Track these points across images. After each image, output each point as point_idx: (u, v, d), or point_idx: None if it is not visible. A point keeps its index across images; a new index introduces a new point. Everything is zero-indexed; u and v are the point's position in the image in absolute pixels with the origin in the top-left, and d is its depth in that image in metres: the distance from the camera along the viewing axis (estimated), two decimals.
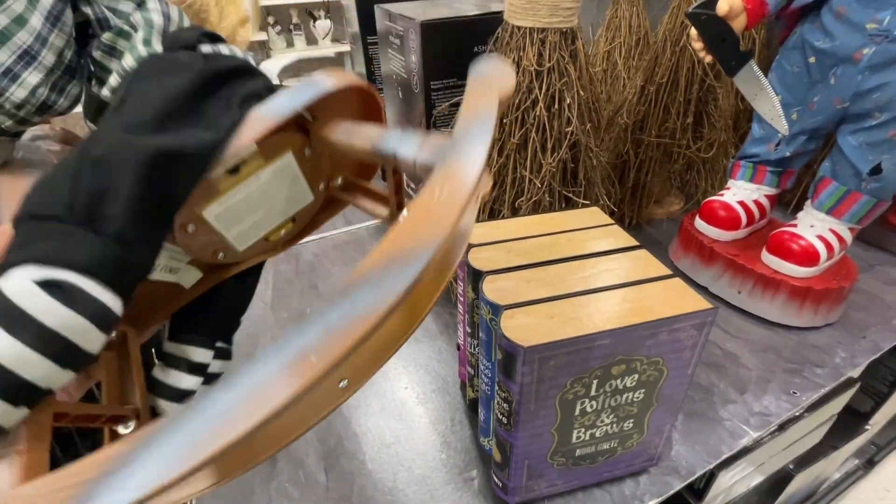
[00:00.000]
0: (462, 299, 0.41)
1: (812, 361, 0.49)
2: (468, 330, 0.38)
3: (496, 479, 0.35)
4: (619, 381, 0.30)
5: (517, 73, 0.45)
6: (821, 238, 0.50)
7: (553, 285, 0.31)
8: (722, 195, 0.59)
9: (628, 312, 0.28)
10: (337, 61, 2.79)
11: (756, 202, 0.58)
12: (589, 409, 0.31)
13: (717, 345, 0.51)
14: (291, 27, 2.73)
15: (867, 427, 0.76)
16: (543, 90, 0.45)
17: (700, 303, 0.29)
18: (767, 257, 0.53)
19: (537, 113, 0.46)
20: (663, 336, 0.28)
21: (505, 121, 0.47)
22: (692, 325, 0.28)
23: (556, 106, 0.46)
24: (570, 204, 0.51)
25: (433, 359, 0.51)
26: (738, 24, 0.47)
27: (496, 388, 0.30)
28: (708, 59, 0.48)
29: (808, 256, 0.50)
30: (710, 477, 0.49)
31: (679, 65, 0.63)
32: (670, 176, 0.75)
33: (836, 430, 0.68)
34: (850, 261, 0.54)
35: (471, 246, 0.36)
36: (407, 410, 0.45)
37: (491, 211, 0.51)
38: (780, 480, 0.71)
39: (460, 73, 0.60)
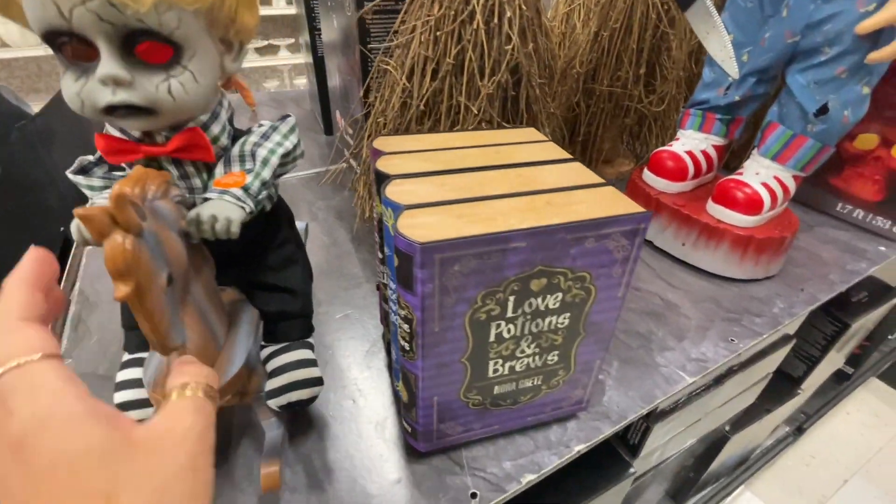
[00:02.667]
0: (378, 226, 0.36)
1: (751, 311, 0.47)
2: (380, 256, 0.33)
3: (405, 424, 0.31)
4: (539, 299, 0.26)
5: None
6: (765, 185, 0.49)
7: (471, 189, 0.26)
8: (671, 146, 0.57)
9: (551, 215, 0.24)
10: (294, 19, 2.65)
11: (704, 153, 0.56)
12: (506, 335, 0.27)
13: (659, 295, 0.49)
14: None
15: (799, 391, 0.77)
16: (481, 1, 0.40)
17: (631, 207, 0.25)
18: (713, 207, 0.51)
19: (475, 27, 0.41)
20: (590, 244, 0.24)
21: (438, 33, 0.42)
22: (622, 231, 0.25)
23: (496, 21, 0.41)
24: None
25: (351, 305, 0.46)
26: None
27: (397, 307, 0.25)
28: None
29: (752, 204, 0.48)
30: (644, 430, 0.46)
31: (633, 7, 0.60)
32: (621, 133, 0.72)
33: (769, 393, 0.69)
34: (791, 213, 0.53)
35: (381, 153, 0.30)
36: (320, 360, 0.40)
37: None
38: (715, 443, 0.71)
39: None
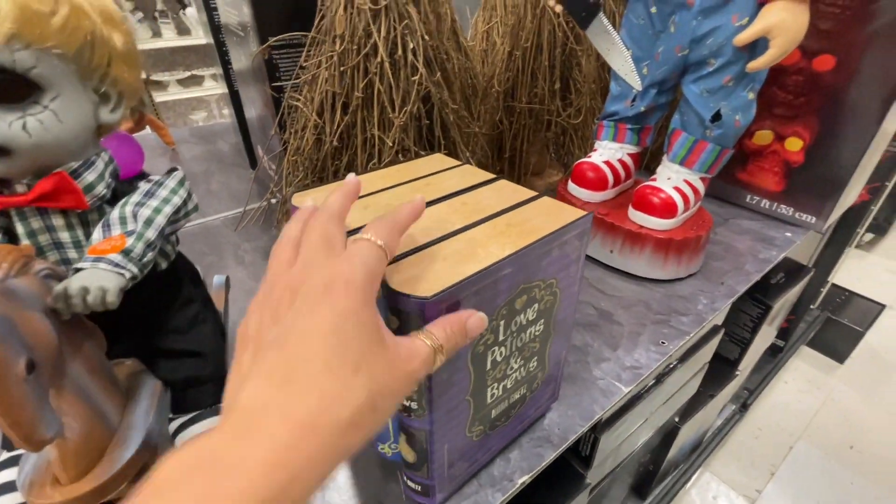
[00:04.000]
0: None
1: (678, 311, 0.54)
2: None
3: (411, 484, 0.32)
4: (522, 315, 0.30)
5: (352, 12, 0.42)
6: (677, 189, 0.56)
7: (430, 230, 0.29)
8: (590, 157, 0.63)
9: (520, 235, 0.28)
10: (212, 48, 2.56)
11: (621, 161, 0.63)
12: (499, 359, 0.30)
13: (592, 304, 0.54)
14: (157, 14, 2.43)
15: (737, 373, 0.87)
16: (383, 34, 0.43)
17: (576, 212, 0.30)
18: (633, 213, 0.58)
19: (379, 60, 0.44)
20: (555, 253, 0.29)
21: (343, 68, 0.44)
22: (576, 234, 0.30)
23: (400, 52, 0.44)
24: None
25: None
26: None
27: None
28: (558, 8, 0.51)
29: (667, 208, 0.55)
30: (594, 442, 0.50)
31: (541, 28, 0.66)
32: (546, 145, 0.79)
33: (710, 378, 0.78)
34: (705, 212, 0.61)
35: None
36: None
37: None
38: (668, 434, 0.78)
39: (303, 24, 0.55)
